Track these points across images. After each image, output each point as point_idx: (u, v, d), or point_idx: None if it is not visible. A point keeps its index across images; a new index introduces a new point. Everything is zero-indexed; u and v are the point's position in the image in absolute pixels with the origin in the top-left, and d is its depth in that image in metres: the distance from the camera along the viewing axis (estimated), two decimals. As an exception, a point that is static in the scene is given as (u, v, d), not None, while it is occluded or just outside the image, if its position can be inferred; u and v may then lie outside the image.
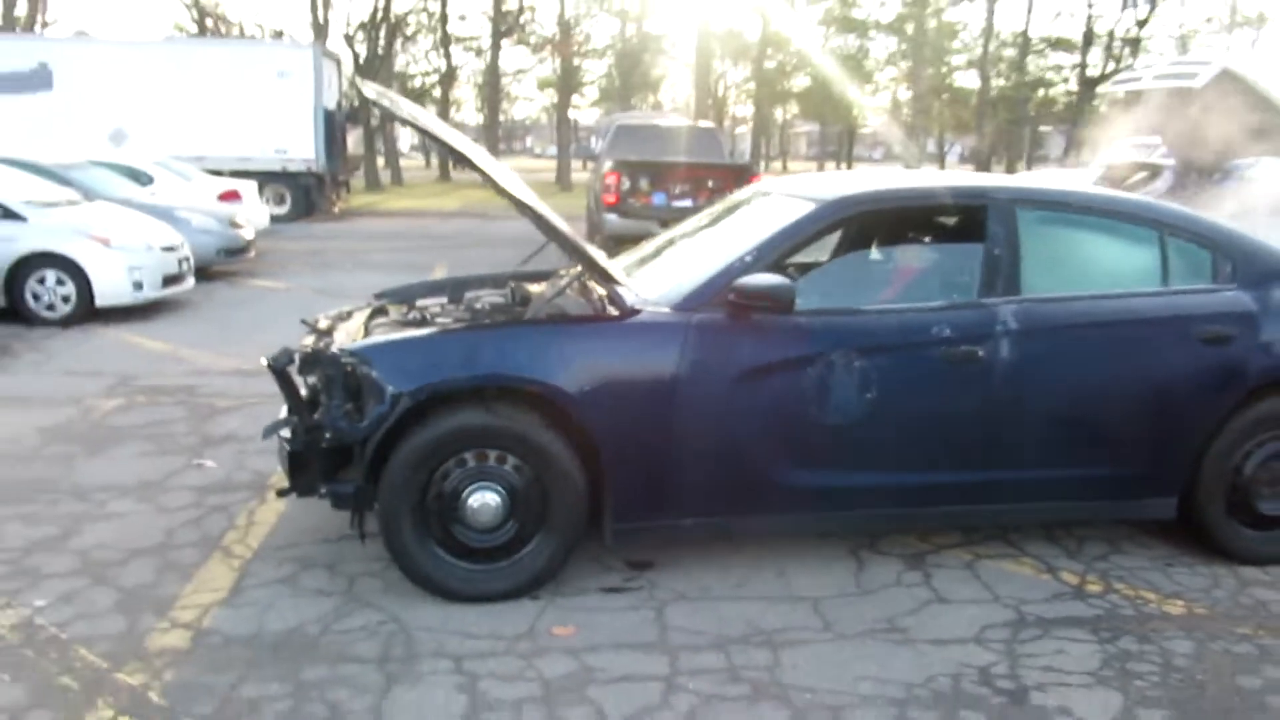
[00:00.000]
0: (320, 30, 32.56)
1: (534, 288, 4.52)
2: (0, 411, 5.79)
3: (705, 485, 3.60)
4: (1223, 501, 3.92)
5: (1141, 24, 31.67)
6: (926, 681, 3.05)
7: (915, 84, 30.40)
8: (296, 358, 3.59)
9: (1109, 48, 31.68)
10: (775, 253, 3.72)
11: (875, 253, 4.75)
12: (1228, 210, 7.62)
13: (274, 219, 17.36)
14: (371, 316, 4.33)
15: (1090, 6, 31.91)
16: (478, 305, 4.49)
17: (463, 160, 3.79)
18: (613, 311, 3.65)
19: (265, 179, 18.77)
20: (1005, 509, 3.91)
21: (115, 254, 8.86)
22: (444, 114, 43.89)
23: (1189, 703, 2.97)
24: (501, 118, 57.38)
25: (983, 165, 31.90)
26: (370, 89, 3.79)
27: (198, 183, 14.70)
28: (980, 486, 3.78)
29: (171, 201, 11.85)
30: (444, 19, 39.20)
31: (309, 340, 3.86)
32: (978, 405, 3.68)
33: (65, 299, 8.69)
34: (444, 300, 4.66)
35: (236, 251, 12.04)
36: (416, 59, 43.39)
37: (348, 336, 3.87)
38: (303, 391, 3.63)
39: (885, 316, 3.75)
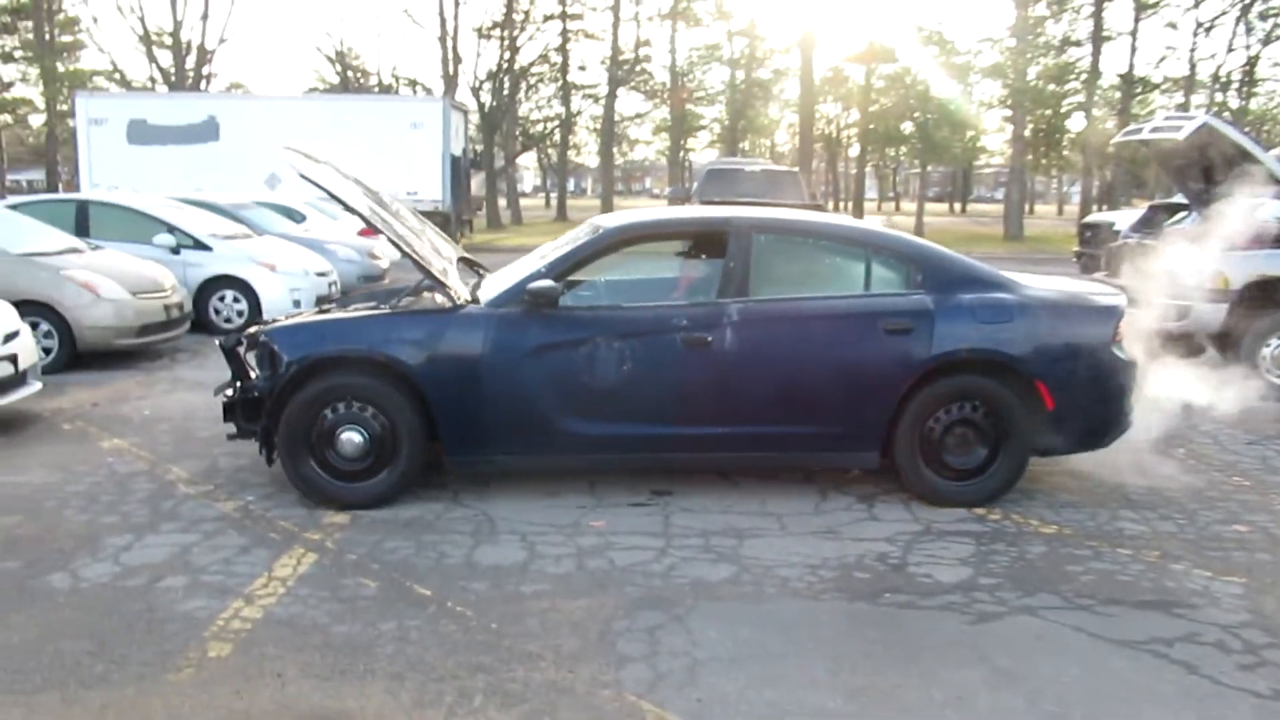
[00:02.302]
0: (450, 83, 35.30)
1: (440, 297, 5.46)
2: (196, 392, 7.64)
3: (510, 432, 5.02)
4: (919, 456, 5.10)
5: (1252, 63, 31.72)
6: (839, 558, 4.42)
7: (1018, 127, 31.02)
8: (243, 339, 5.25)
9: (1222, 87, 31.82)
10: (564, 266, 5.16)
11: (649, 264, 6.05)
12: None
13: (405, 253, 19.45)
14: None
15: (1193, 51, 31.98)
16: (382, 306, 5.50)
17: (360, 216, 5.17)
18: (446, 306, 5.08)
19: (399, 218, 20.94)
20: (739, 456, 5.26)
21: (280, 277, 10.86)
22: (563, 157, 46.54)
23: (1019, 575, 4.26)
24: (620, 160, 59.88)
25: (1088, 204, 32.29)
26: (293, 157, 5.29)
27: (342, 221, 16.86)
28: (717, 438, 5.09)
29: (321, 236, 13.95)
30: (565, 69, 41.73)
31: (252, 329, 5.34)
32: (709, 376, 4.99)
33: (240, 313, 10.71)
34: (374, 304, 5.70)
35: (374, 278, 14.08)
36: (539, 106, 45.98)
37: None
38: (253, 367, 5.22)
39: (639, 310, 5.13)
